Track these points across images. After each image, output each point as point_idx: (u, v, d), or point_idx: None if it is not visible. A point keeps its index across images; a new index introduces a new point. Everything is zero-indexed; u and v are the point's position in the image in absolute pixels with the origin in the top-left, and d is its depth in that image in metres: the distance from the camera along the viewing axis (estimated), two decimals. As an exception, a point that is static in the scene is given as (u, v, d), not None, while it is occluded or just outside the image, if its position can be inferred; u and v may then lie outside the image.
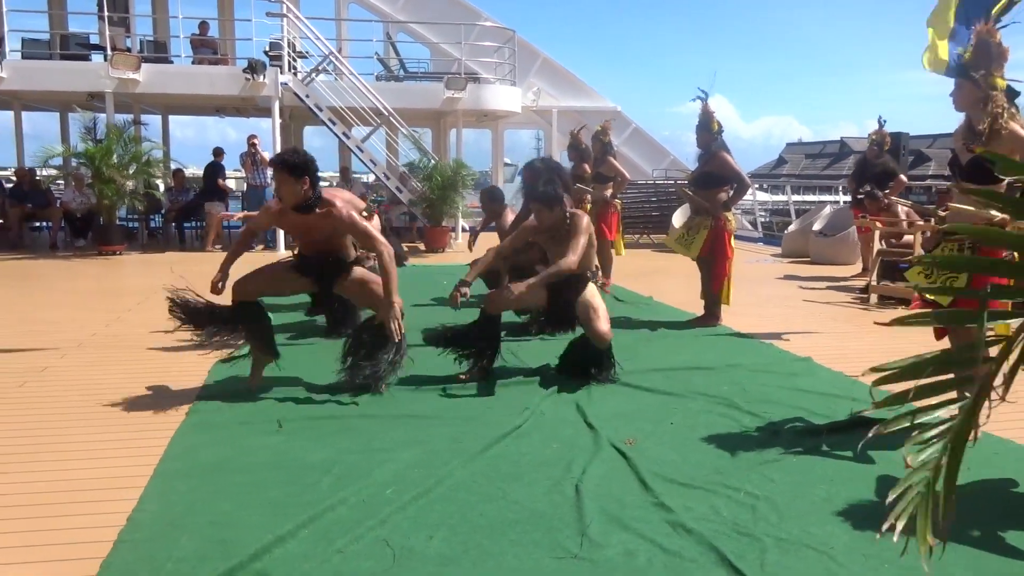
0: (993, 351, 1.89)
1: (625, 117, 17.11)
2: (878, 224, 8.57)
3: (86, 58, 13.28)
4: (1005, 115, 3.57)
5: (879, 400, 2.21)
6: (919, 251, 7.21)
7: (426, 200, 13.13)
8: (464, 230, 13.37)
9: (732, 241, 6.45)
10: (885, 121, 9.63)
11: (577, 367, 4.74)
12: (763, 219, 18.14)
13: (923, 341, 3.73)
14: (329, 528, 2.75)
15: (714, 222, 6.34)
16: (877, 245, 8.58)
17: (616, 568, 2.52)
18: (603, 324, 4.69)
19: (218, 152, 14.07)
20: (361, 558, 2.55)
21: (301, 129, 17.80)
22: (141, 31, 15.08)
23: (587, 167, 9.12)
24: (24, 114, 15.50)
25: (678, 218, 12.90)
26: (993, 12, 3.83)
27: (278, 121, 12.78)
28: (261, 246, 12.45)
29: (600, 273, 8.89)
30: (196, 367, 5.05)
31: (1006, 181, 3.31)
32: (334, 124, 13.02)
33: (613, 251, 9.00)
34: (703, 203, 6.39)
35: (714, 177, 6.37)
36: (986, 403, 1.87)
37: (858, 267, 10.09)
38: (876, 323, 3.43)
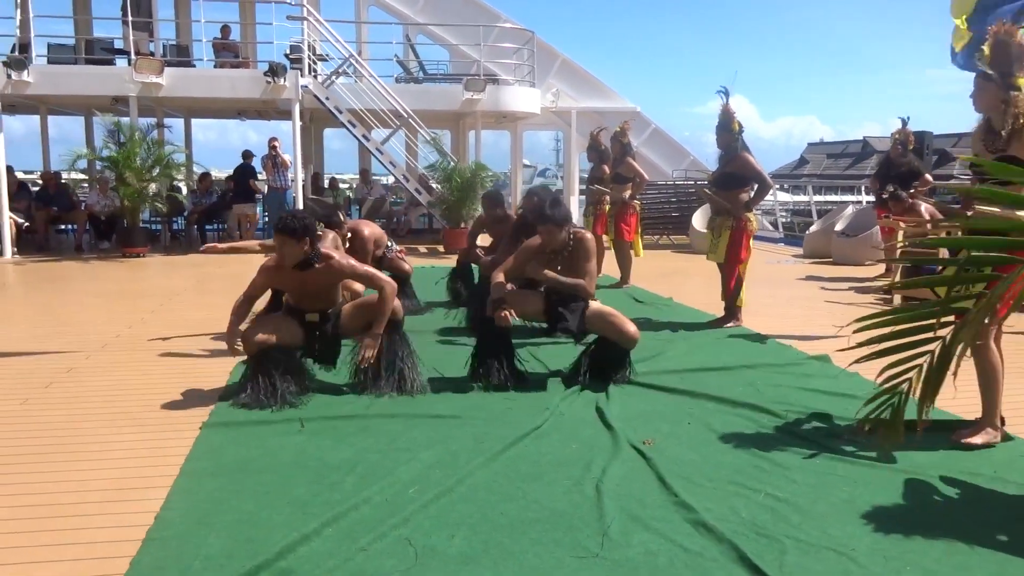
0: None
1: (644, 118, 17.08)
2: (901, 224, 8.50)
3: (110, 63, 13.44)
4: None
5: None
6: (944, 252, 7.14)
7: (445, 202, 13.18)
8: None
9: (750, 242, 6.42)
10: (908, 120, 9.56)
11: (595, 369, 4.75)
12: (784, 220, 18.02)
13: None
14: (353, 527, 2.78)
15: (735, 223, 6.32)
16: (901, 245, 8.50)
17: (638, 567, 2.53)
18: (629, 325, 4.72)
19: (247, 155, 14.22)
20: (384, 556, 2.58)
21: (321, 131, 17.92)
22: (164, 35, 15.23)
23: (606, 168, 9.13)
24: (50, 118, 15.74)
25: (699, 219, 12.89)
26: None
27: (298, 124, 12.89)
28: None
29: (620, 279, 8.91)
30: (218, 367, 5.11)
31: None
32: (354, 126, 13.10)
33: (632, 252, 9.01)
34: (724, 204, 6.37)
35: (735, 177, 6.35)
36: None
37: (881, 267, 10.02)
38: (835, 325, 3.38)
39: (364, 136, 13.30)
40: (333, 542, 2.67)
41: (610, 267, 9.30)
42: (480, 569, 2.52)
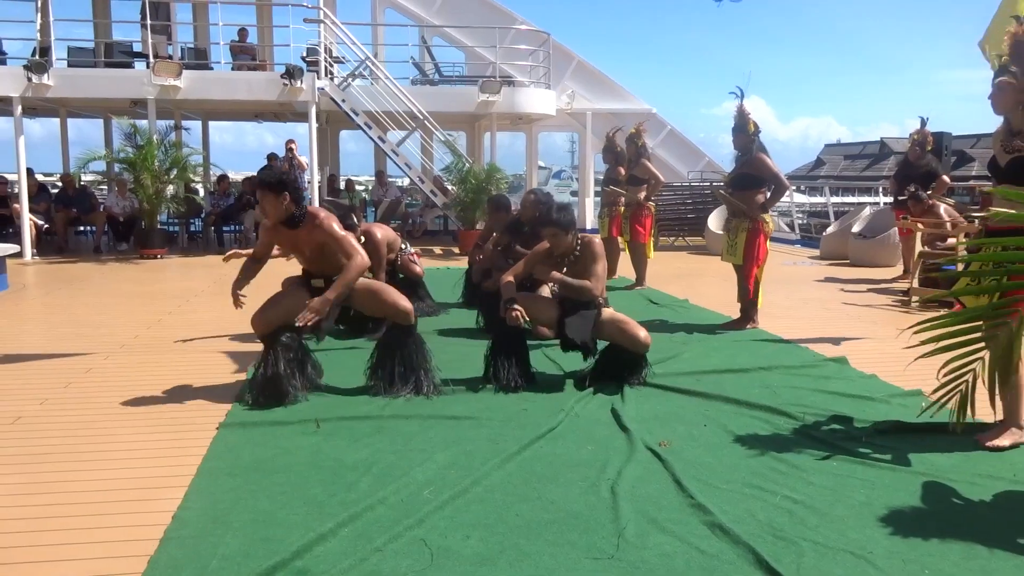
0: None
1: (660, 119, 17.04)
2: (920, 226, 8.45)
3: (129, 66, 13.55)
4: None
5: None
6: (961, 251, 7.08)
7: (460, 203, 13.20)
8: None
9: (767, 243, 6.39)
10: (927, 120, 9.49)
11: (609, 374, 4.74)
12: (801, 221, 17.93)
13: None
14: (368, 527, 2.79)
15: (751, 224, 6.29)
16: (919, 247, 8.45)
17: (654, 570, 2.52)
18: (640, 331, 4.69)
19: (272, 157, 14.31)
20: (399, 557, 2.59)
21: (337, 133, 18.00)
22: (182, 39, 15.39)
23: (622, 170, 9.12)
24: (69, 120, 15.88)
25: (714, 220, 12.85)
26: None
27: (315, 126, 12.95)
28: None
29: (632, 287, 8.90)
30: (234, 368, 5.14)
31: None
32: (370, 128, 13.15)
33: (646, 253, 8.99)
34: (740, 205, 6.34)
35: (751, 178, 6.32)
36: None
37: (899, 269, 9.95)
38: (907, 327, 3.43)
39: (380, 138, 13.35)
40: (349, 542, 2.68)
41: (625, 268, 9.29)
42: (495, 570, 2.52)
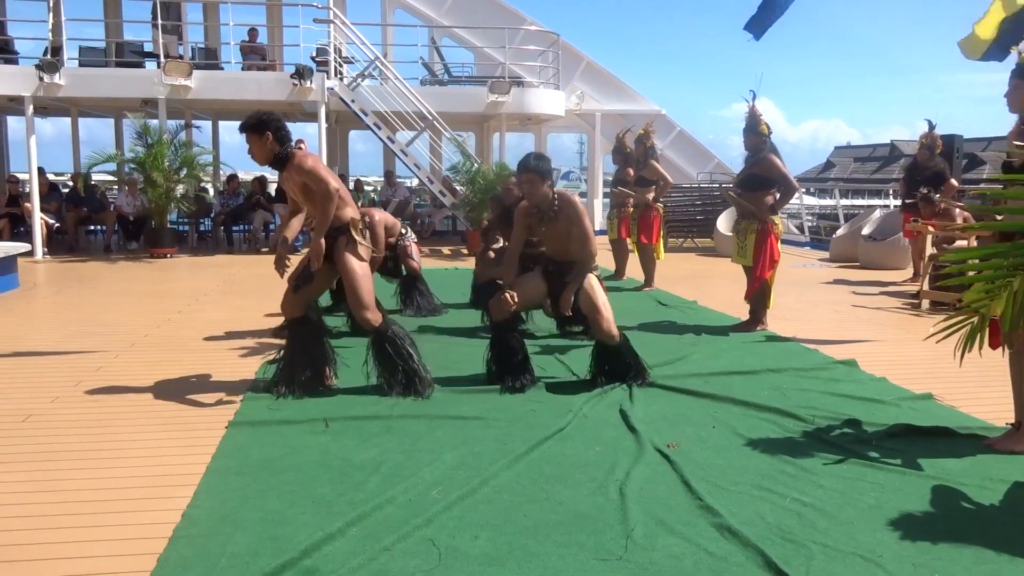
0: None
1: (669, 120, 17.02)
2: (930, 228, 8.41)
3: (140, 65, 13.61)
4: None
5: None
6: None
7: (469, 204, 13.20)
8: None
9: (779, 245, 6.37)
10: (936, 124, 9.44)
11: (604, 372, 4.72)
12: (810, 223, 17.87)
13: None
14: (377, 527, 2.79)
15: (760, 225, 6.27)
16: (929, 250, 8.41)
17: (662, 571, 2.52)
18: (605, 323, 4.60)
19: None
20: (408, 556, 2.59)
21: (347, 133, 18.03)
22: (193, 39, 15.44)
23: (631, 171, 9.11)
24: (80, 120, 15.96)
25: (723, 222, 12.82)
26: None
27: (324, 126, 12.98)
28: (266, 249, 12.75)
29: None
30: (244, 367, 5.16)
31: None
32: (379, 128, 13.17)
33: (655, 255, 8.97)
34: (749, 206, 6.32)
35: (760, 179, 6.30)
36: None
37: (909, 272, 9.91)
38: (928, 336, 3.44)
39: (389, 138, 13.37)
40: (357, 541, 2.69)
41: (634, 270, 9.27)
42: (504, 571, 2.52)
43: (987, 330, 3.18)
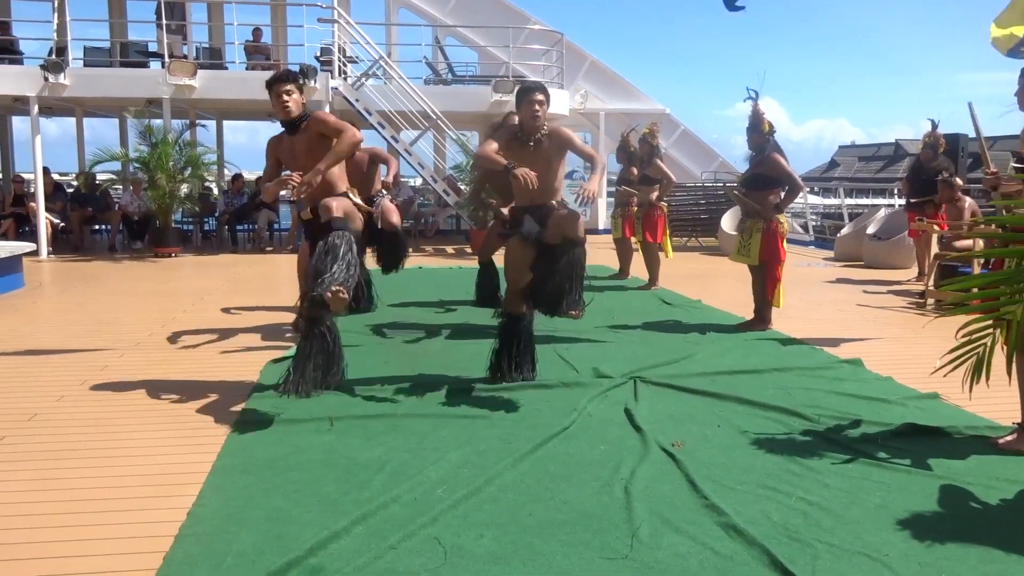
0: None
1: (673, 119, 17.00)
2: (935, 227, 8.40)
3: (145, 65, 13.64)
4: None
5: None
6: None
7: (472, 202, 13.18)
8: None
9: (784, 244, 6.36)
10: (938, 123, 9.41)
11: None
12: (815, 223, 17.85)
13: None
14: (382, 525, 2.79)
15: (766, 225, 6.26)
16: (934, 248, 8.40)
17: (668, 570, 2.51)
18: (572, 224, 4.28)
19: None
20: (413, 555, 2.59)
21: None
22: (197, 38, 15.46)
23: (634, 170, 9.11)
24: (85, 120, 15.99)
25: (728, 221, 12.80)
26: None
27: (328, 125, 12.95)
28: (270, 248, 12.78)
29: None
30: (249, 366, 5.16)
31: None
32: (383, 128, 13.18)
33: (662, 254, 8.97)
34: (754, 205, 6.31)
35: (765, 179, 6.29)
36: None
37: (914, 271, 9.89)
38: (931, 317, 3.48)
39: (393, 137, 13.37)
40: (363, 540, 2.69)
41: (638, 269, 9.27)
42: (509, 569, 2.52)
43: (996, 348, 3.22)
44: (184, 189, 12.42)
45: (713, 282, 9.64)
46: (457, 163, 14.12)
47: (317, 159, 4.33)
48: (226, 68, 13.92)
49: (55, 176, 14.63)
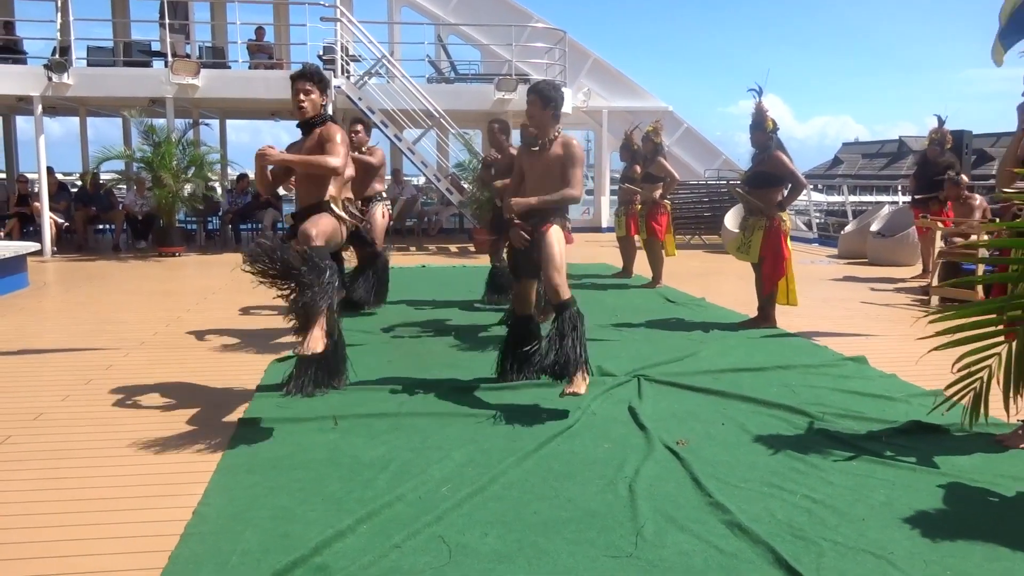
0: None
1: (677, 117, 16.98)
2: (939, 224, 8.38)
3: (148, 65, 13.65)
4: None
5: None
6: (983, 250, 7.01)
7: (476, 201, 13.19)
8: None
9: (788, 242, 6.35)
10: (946, 119, 9.39)
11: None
12: (818, 220, 17.83)
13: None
14: (386, 524, 2.80)
15: (768, 222, 6.25)
16: (938, 245, 8.38)
17: (672, 568, 2.51)
18: (556, 274, 4.21)
19: None
20: (418, 553, 2.59)
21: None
22: (200, 38, 15.45)
23: (638, 168, 9.11)
24: (88, 120, 16.02)
25: (731, 219, 12.79)
26: None
27: (331, 124, 12.96)
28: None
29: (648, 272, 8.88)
30: (253, 365, 5.16)
31: None
32: (386, 127, 13.18)
33: (664, 252, 8.97)
34: (757, 203, 6.31)
35: (768, 176, 6.28)
36: None
37: (918, 268, 9.87)
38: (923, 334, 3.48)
39: (396, 136, 13.38)
40: (367, 539, 2.69)
41: (642, 267, 9.26)
42: (514, 568, 2.52)
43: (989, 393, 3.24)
44: (188, 188, 12.43)
45: (716, 280, 9.64)
46: (460, 161, 14.12)
47: (310, 177, 4.28)
48: (229, 67, 13.94)
49: (59, 176, 14.66)
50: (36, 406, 4.28)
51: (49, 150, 12.51)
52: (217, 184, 15.05)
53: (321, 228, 4.11)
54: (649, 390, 4.51)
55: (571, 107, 15.08)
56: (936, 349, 3.30)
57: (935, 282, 7.78)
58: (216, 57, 14.39)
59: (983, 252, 6.96)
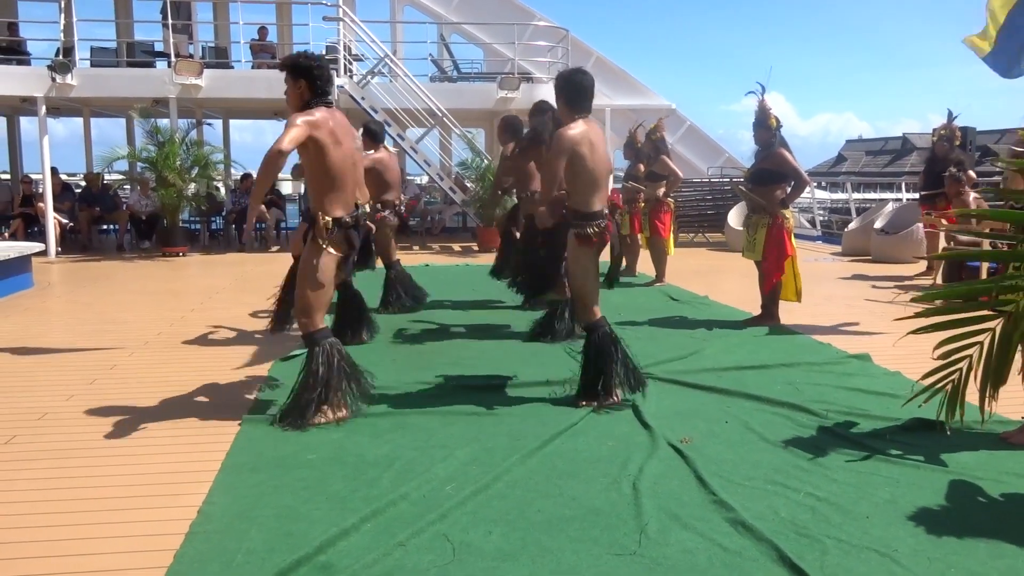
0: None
1: (680, 115, 16.96)
2: (943, 221, 8.37)
3: (151, 65, 13.68)
4: None
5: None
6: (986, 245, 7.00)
7: (479, 200, 13.21)
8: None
9: (792, 239, 6.34)
10: (958, 115, 9.33)
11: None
12: (822, 217, 17.80)
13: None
14: (391, 522, 2.80)
15: (771, 220, 6.24)
16: (942, 243, 8.37)
17: (676, 566, 2.52)
18: (578, 302, 4.34)
19: None
20: (422, 552, 2.60)
21: (357, 130, 18.03)
22: (203, 38, 15.48)
23: (641, 166, 9.10)
24: (92, 120, 16.05)
25: (734, 217, 12.78)
26: None
27: (334, 123, 12.97)
28: (277, 247, 12.78)
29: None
30: (257, 365, 5.18)
31: None
32: (389, 126, 13.18)
33: (666, 250, 8.96)
34: (759, 200, 6.30)
35: (771, 174, 6.28)
36: None
37: (922, 265, 9.85)
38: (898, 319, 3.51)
39: (399, 135, 13.39)
40: (371, 537, 2.70)
41: (645, 265, 9.26)
42: (517, 566, 2.52)
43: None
44: (191, 188, 12.45)
45: (720, 278, 9.63)
46: (463, 160, 14.13)
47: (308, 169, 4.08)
48: (232, 67, 13.95)
49: (63, 176, 14.69)
50: (41, 406, 4.30)
51: (53, 151, 12.56)
52: (220, 184, 15.07)
53: (305, 303, 3.95)
54: (653, 388, 4.50)
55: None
56: (913, 332, 3.28)
57: (939, 280, 7.77)
58: (219, 57, 14.42)
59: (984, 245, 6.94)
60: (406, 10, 16.84)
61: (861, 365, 5.09)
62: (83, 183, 15.19)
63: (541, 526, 2.79)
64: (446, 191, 14.16)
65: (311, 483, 3.18)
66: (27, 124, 17.55)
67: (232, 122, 17.85)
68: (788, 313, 6.53)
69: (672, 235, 9.09)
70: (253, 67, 13.93)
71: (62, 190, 13.63)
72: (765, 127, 6.27)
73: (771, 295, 6.40)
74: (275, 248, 12.98)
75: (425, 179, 17.17)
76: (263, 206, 13.72)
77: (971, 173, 9.34)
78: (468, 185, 13.72)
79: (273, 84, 12.76)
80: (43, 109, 12.13)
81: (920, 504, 2.96)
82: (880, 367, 5.03)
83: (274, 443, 3.66)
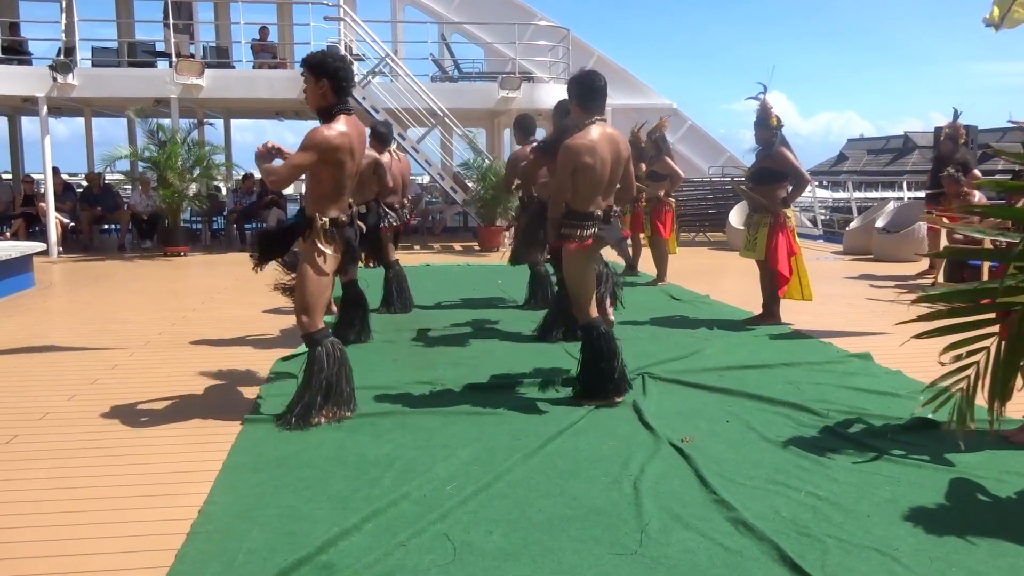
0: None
1: (681, 114, 16.95)
2: (945, 220, 8.35)
3: (152, 65, 13.68)
4: None
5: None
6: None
7: (480, 200, 13.20)
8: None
9: (796, 238, 6.34)
10: (962, 113, 9.31)
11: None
12: (823, 216, 17.79)
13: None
14: (392, 522, 2.81)
15: (772, 219, 6.24)
16: (944, 242, 8.36)
17: (677, 565, 2.52)
18: (574, 302, 4.32)
19: None
20: (423, 551, 2.60)
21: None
22: (204, 38, 15.48)
23: (643, 166, 9.10)
24: (93, 120, 16.07)
25: (735, 216, 12.77)
26: None
27: (335, 123, 12.97)
28: None
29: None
30: (259, 364, 5.18)
31: None
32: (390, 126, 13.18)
33: (668, 249, 8.96)
34: (760, 200, 6.30)
35: (772, 173, 6.27)
36: None
37: (924, 264, 9.84)
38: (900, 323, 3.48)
39: (400, 135, 13.38)
40: (373, 537, 2.70)
41: (647, 264, 9.26)
42: (519, 565, 2.52)
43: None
44: (193, 188, 12.46)
45: (721, 277, 9.63)
46: (464, 160, 14.12)
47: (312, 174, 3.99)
48: (233, 67, 13.95)
49: (64, 176, 14.70)
50: (42, 405, 4.30)
51: (54, 151, 12.57)
52: (222, 184, 15.08)
53: (305, 302, 3.91)
54: (654, 388, 4.50)
55: (575, 105, 15.05)
56: (917, 337, 3.26)
57: (940, 278, 7.76)
58: (220, 57, 14.42)
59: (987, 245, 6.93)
60: (407, 10, 16.84)
61: (862, 364, 5.08)
62: (84, 183, 15.20)
63: (542, 526, 2.79)
64: (447, 191, 14.16)
65: (312, 483, 3.19)
66: (28, 124, 17.60)
67: (233, 122, 17.87)
68: (789, 312, 6.53)
69: (674, 235, 9.08)
70: (254, 67, 13.93)
71: (64, 190, 13.63)
72: (766, 126, 6.27)
73: (772, 294, 6.40)
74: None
75: (426, 179, 17.16)
76: (263, 206, 13.78)
77: (976, 172, 9.33)
78: (469, 185, 13.71)
79: (274, 84, 12.82)
80: (44, 109, 12.14)
81: (921, 503, 2.96)
82: (881, 366, 5.02)
83: (275, 443, 3.66)
